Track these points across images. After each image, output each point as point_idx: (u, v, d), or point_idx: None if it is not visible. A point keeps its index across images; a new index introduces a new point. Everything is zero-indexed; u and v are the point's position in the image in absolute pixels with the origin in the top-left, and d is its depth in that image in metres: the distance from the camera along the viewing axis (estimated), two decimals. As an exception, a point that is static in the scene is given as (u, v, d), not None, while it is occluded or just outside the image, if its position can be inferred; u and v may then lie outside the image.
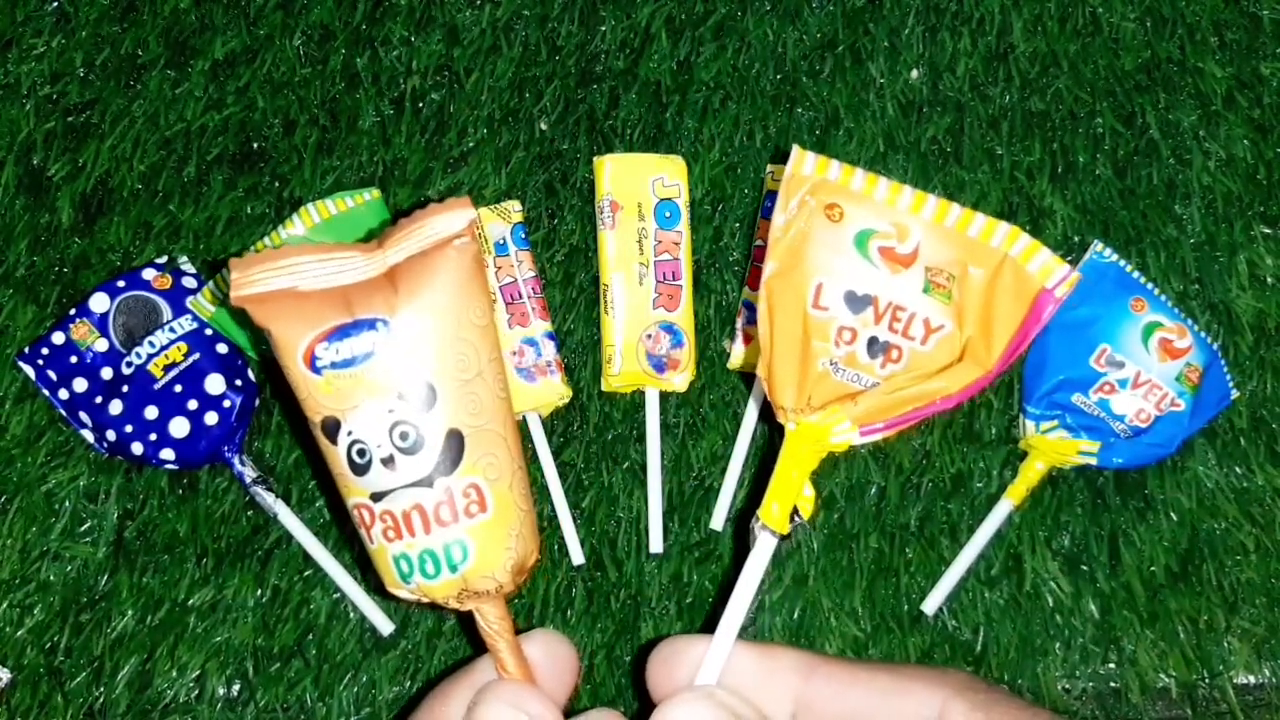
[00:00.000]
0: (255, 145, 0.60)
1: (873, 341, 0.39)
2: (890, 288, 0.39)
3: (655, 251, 0.56)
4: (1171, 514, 0.55)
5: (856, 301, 0.39)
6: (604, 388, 0.56)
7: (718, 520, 0.54)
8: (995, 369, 0.39)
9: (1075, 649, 0.53)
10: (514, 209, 0.57)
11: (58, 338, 0.55)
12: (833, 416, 0.38)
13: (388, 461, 0.36)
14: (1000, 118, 0.60)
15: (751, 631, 0.53)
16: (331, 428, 0.37)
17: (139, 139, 0.59)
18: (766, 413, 0.56)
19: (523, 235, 0.57)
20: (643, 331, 0.55)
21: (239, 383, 0.54)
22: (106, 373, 0.54)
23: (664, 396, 0.56)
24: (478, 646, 0.38)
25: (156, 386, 0.54)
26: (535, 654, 0.37)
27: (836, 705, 0.28)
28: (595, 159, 0.57)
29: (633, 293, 0.55)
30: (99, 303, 0.55)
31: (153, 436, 0.53)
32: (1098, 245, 0.56)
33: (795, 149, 0.40)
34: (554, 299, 0.57)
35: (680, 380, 0.55)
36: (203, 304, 0.55)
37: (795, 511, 0.38)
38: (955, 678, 0.28)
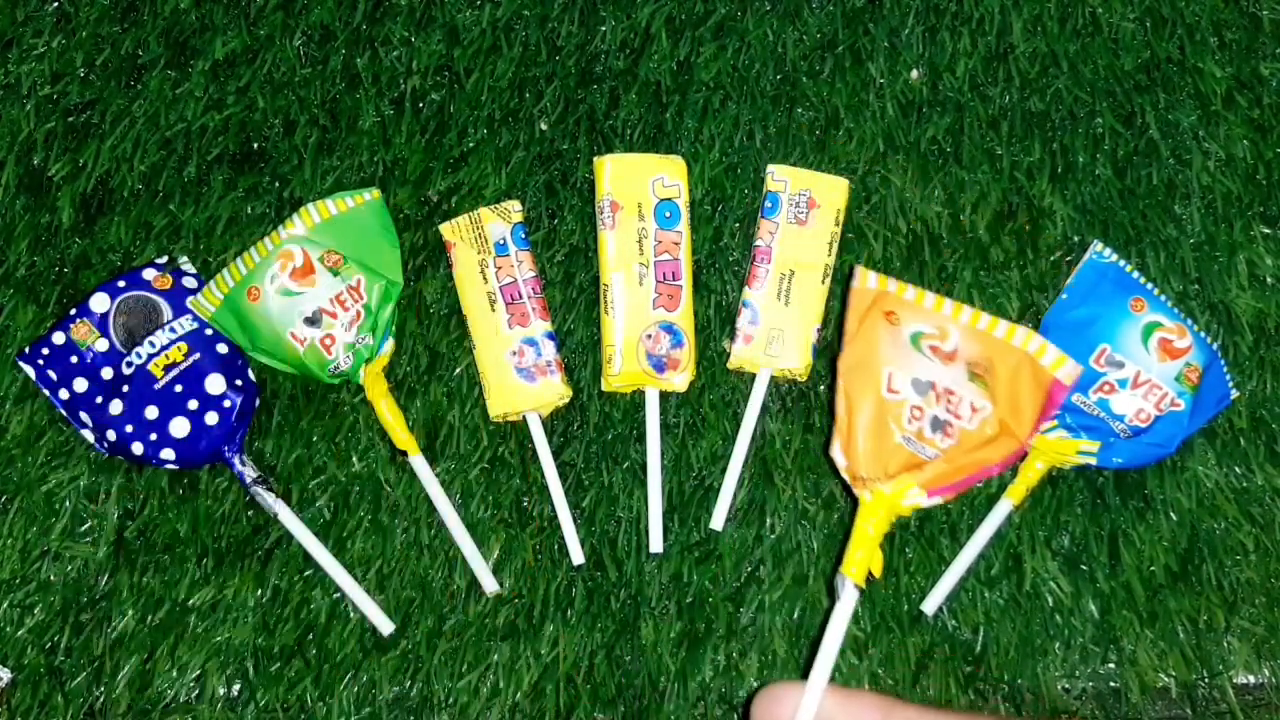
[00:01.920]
0: (255, 145, 0.60)
1: (935, 419, 0.47)
2: (943, 376, 0.48)
3: (655, 251, 0.56)
4: (1171, 514, 0.55)
5: (921, 386, 0.48)
6: (604, 387, 0.56)
7: (718, 520, 0.54)
8: (1026, 441, 0.47)
9: (1075, 649, 0.53)
10: (514, 209, 0.57)
11: (58, 338, 0.55)
12: (903, 484, 0.46)
13: None
14: (1000, 118, 0.60)
15: (753, 630, 0.53)
16: None
17: (139, 139, 0.59)
18: (766, 413, 0.56)
19: (523, 235, 0.57)
20: (643, 331, 0.55)
21: (239, 383, 0.54)
22: (107, 373, 0.54)
23: (664, 396, 0.56)
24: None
25: (157, 386, 0.54)
26: None
27: None
28: (595, 159, 0.57)
29: (633, 293, 0.55)
30: (99, 303, 0.55)
31: (153, 436, 0.53)
32: (1097, 245, 0.56)
33: (858, 270, 0.49)
34: (554, 299, 0.57)
35: (680, 380, 0.55)
36: (203, 304, 0.55)
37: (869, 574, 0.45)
38: None
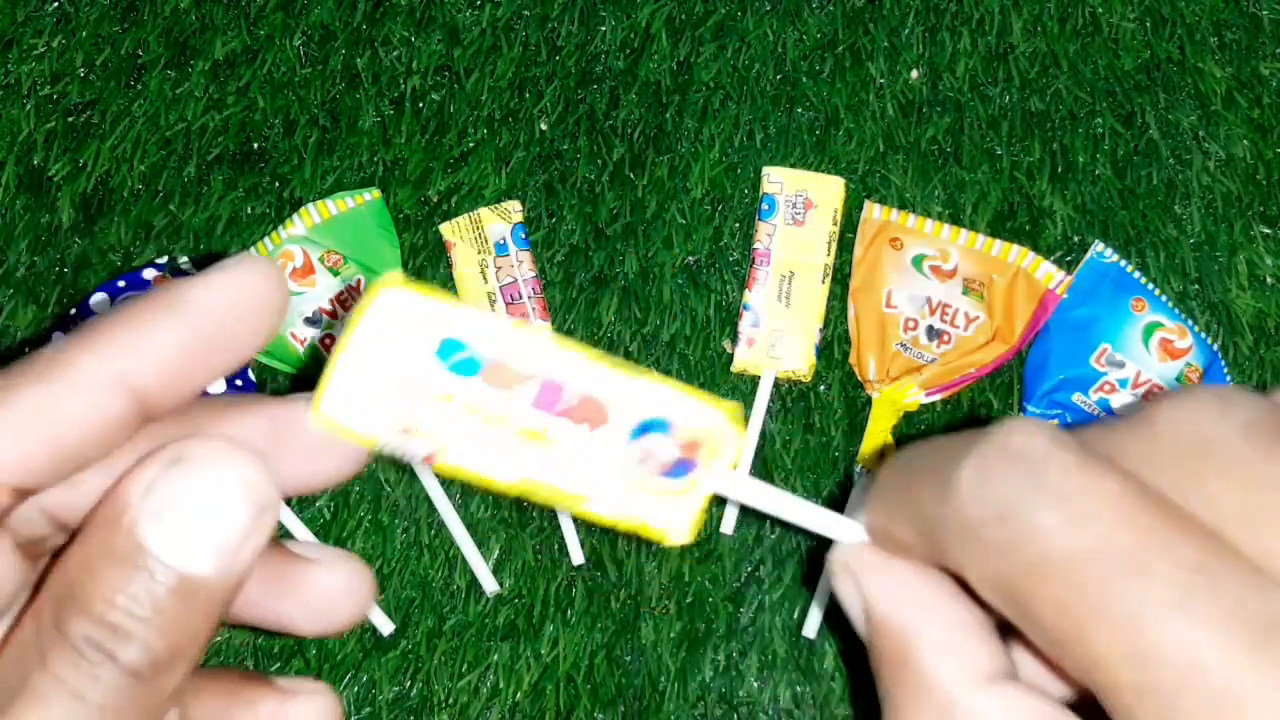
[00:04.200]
0: (255, 145, 0.60)
1: (930, 329, 0.55)
2: (939, 292, 0.55)
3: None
4: (1171, 514, 0.55)
5: (917, 301, 0.55)
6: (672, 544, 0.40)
7: (728, 525, 0.54)
8: (1017, 345, 0.54)
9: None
10: (514, 209, 0.57)
11: (58, 338, 0.55)
12: (904, 385, 0.54)
13: None
14: (1000, 118, 0.60)
15: (753, 630, 0.53)
16: None
17: (139, 139, 0.59)
18: (770, 414, 0.56)
19: (523, 235, 0.57)
20: (624, 456, 0.36)
21: (239, 382, 0.54)
22: (107, 373, 0.54)
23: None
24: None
25: (157, 386, 0.54)
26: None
27: None
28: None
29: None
30: (99, 303, 0.55)
31: (153, 436, 0.53)
32: (1098, 245, 0.56)
33: (867, 203, 0.57)
34: (554, 299, 0.57)
35: (722, 463, 0.34)
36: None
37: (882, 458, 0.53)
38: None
